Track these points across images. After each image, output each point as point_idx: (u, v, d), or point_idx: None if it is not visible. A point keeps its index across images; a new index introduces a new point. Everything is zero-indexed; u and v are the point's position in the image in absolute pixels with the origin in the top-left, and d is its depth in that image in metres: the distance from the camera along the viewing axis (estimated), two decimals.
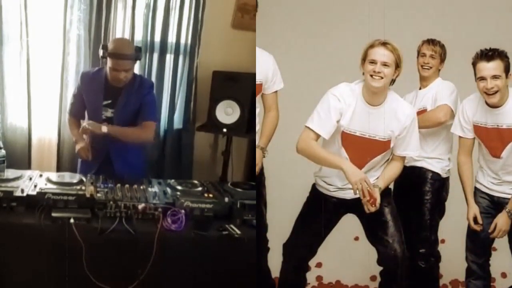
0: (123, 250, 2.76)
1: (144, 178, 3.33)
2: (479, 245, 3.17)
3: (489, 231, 3.08)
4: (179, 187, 3.18)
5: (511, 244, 3.13)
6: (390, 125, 2.90)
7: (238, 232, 2.87)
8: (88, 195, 2.86)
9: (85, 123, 3.42)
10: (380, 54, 2.81)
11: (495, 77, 2.89)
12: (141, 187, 3.11)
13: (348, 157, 2.93)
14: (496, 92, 2.90)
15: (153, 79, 4.46)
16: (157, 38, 4.45)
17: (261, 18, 3.54)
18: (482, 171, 3.16)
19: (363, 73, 2.88)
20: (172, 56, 4.54)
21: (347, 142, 2.93)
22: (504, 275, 3.89)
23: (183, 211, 2.87)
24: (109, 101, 3.50)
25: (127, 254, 2.76)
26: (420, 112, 3.31)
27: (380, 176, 2.99)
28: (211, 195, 3.10)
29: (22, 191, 2.82)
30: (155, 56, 4.48)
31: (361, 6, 4.49)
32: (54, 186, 2.94)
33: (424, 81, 3.44)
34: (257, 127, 3.32)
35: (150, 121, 3.54)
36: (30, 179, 3.04)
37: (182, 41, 4.53)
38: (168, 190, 3.13)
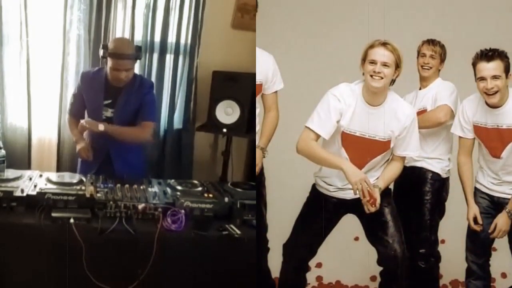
0: (123, 250, 2.76)
1: (144, 178, 3.33)
2: (479, 245, 3.17)
3: (489, 231, 3.07)
4: (179, 187, 3.18)
5: (511, 245, 3.13)
6: (390, 125, 2.90)
7: (238, 232, 2.87)
8: (88, 195, 2.86)
9: (82, 121, 3.42)
10: (380, 54, 2.81)
11: (495, 77, 2.89)
12: (141, 187, 3.11)
13: (348, 157, 2.93)
14: (496, 92, 2.90)
15: (153, 79, 4.46)
16: (157, 38, 4.45)
17: (261, 18, 3.54)
18: (482, 171, 3.16)
19: (363, 73, 2.88)
20: (172, 56, 4.54)
21: (347, 142, 2.93)
22: (504, 275, 3.89)
23: (183, 211, 2.87)
24: (109, 101, 3.50)
25: (127, 254, 2.76)
26: (420, 112, 3.31)
27: (380, 176, 2.99)
28: (211, 195, 3.10)
29: (22, 191, 2.82)
30: (155, 56, 4.49)
31: (361, 6, 4.49)
32: (54, 186, 2.94)
33: (424, 81, 3.44)
34: (257, 127, 3.32)
35: (148, 121, 3.54)
36: (30, 179, 3.04)
37: (182, 41, 4.53)
38: (168, 190, 3.13)
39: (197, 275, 2.85)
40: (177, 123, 4.70)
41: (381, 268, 3.05)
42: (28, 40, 4.17)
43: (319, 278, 3.96)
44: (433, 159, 3.36)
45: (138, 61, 3.61)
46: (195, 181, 3.33)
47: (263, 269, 3.37)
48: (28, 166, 4.30)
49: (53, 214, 2.73)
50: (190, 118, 4.66)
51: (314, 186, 3.15)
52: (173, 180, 3.28)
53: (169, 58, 4.54)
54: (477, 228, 3.12)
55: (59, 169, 4.36)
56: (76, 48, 4.30)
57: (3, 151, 3.14)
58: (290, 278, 3.23)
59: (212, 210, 2.98)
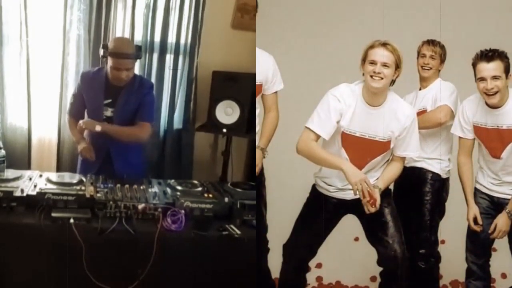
0: (123, 250, 2.76)
1: (144, 178, 3.33)
2: (479, 245, 3.17)
3: (489, 231, 3.07)
4: (179, 187, 3.18)
5: (511, 245, 3.13)
6: (390, 125, 2.90)
7: (238, 232, 2.87)
8: (88, 195, 2.86)
9: (80, 121, 3.43)
10: (380, 54, 2.81)
11: (495, 77, 2.89)
12: (141, 187, 3.11)
13: (348, 157, 2.93)
14: (496, 92, 2.90)
15: (153, 79, 4.46)
16: (157, 38, 4.45)
17: (261, 18, 3.54)
18: (482, 171, 3.16)
19: (363, 74, 2.88)
20: (172, 56, 4.54)
21: (347, 142, 2.93)
22: (504, 275, 3.89)
23: (183, 211, 2.87)
24: (109, 100, 3.51)
25: (127, 254, 2.76)
26: (420, 113, 3.31)
27: (380, 176, 2.99)
28: (211, 195, 3.10)
29: (22, 191, 2.82)
30: (155, 56, 4.49)
31: (361, 6, 4.51)
32: (54, 186, 2.94)
33: (424, 81, 3.44)
34: (257, 128, 3.32)
35: (146, 121, 3.55)
36: (30, 179, 3.04)
37: (182, 41, 4.53)
38: (168, 190, 3.13)
39: (197, 275, 2.85)
40: (177, 123, 4.70)
41: (381, 269, 3.05)
42: (28, 40, 4.17)
43: (319, 279, 3.96)
44: (433, 159, 3.36)
45: (138, 61, 3.61)
46: (195, 181, 3.33)
47: (263, 270, 3.37)
48: (28, 166, 4.30)
49: (53, 214, 2.73)
50: (190, 118, 4.67)
51: (314, 187, 3.15)
52: (173, 180, 3.28)
53: (169, 58, 4.54)
54: (477, 228, 3.12)
55: (59, 169, 4.37)
56: (76, 48, 4.31)
57: (3, 151, 3.14)
58: (290, 279, 3.23)
59: (212, 210, 2.98)
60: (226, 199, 3.03)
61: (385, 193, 2.97)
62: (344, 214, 3.12)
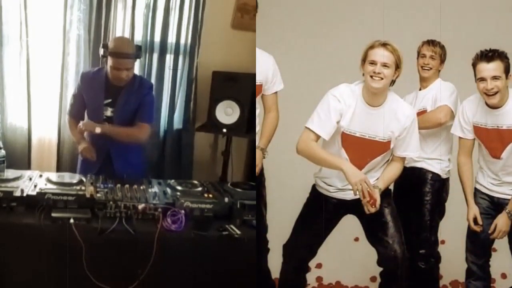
0: (123, 250, 2.76)
1: (144, 178, 3.33)
2: (479, 246, 3.17)
3: (489, 232, 3.08)
4: (179, 187, 3.18)
5: (511, 245, 3.13)
6: (390, 126, 2.90)
7: (238, 232, 2.87)
8: (88, 195, 2.86)
9: (80, 123, 3.43)
10: (380, 55, 2.81)
11: (495, 78, 2.89)
12: (141, 187, 3.11)
13: (348, 158, 2.93)
14: (496, 93, 2.90)
15: (153, 79, 4.46)
16: (157, 38, 4.46)
17: (261, 18, 3.54)
18: (482, 172, 3.17)
19: (363, 74, 2.88)
20: (172, 56, 4.54)
21: (347, 143, 2.93)
22: (504, 276, 3.89)
23: (183, 211, 2.87)
24: (109, 100, 3.51)
25: (127, 254, 2.76)
26: (420, 113, 3.31)
27: (380, 177, 2.99)
28: (211, 195, 3.10)
29: (22, 191, 2.82)
30: (155, 56, 4.49)
31: (361, 6, 4.51)
32: (54, 186, 2.94)
33: (424, 82, 3.44)
34: (257, 128, 3.32)
35: (145, 122, 3.56)
36: (30, 179, 3.04)
37: (182, 41, 4.53)
38: (168, 190, 3.13)
39: (197, 275, 2.85)
40: (177, 123, 4.70)
41: (381, 269, 3.05)
42: (28, 40, 4.17)
43: (319, 279, 3.96)
44: (433, 159, 3.36)
45: (138, 61, 3.61)
46: (195, 181, 3.33)
47: (263, 270, 3.37)
48: (28, 166, 4.30)
49: (53, 214, 2.73)
50: (190, 118, 4.67)
51: (314, 187, 3.15)
52: (173, 180, 3.28)
53: (169, 58, 4.54)
54: (477, 228, 3.12)
55: (59, 169, 4.37)
56: (76, 48, 4.31)
57: (3, 151, 3.14)
58: (290, 279, 3.23)
59: (212, 210, 2.98)
60: (226, 199, 3.03)
61: (385, 193, 2.97)
62: (344, 214, 3.12)
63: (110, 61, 3.41)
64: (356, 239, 3.86)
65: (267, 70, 3.23)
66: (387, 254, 2.96)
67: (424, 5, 4.48)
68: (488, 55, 2.90)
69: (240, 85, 4.31)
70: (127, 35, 4.34)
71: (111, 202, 2.84)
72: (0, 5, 4.09)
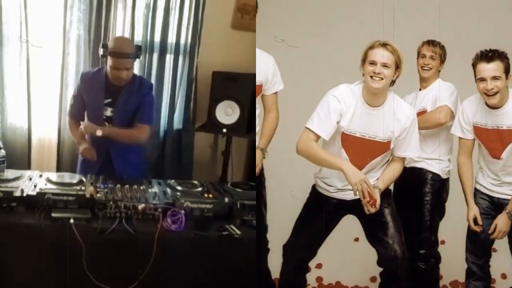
0: (123, 250, 2.76)
1: (144, 178, 3.33)
2: (479, 246, 3.17)
3: (489, 232, 3.08)
4: (179, 188, 3.18)
5: (511, 245, 3.13)
6: (390, 126, 2.90)
7: (238, 232, 2.87)
8: (88, 196, 2.86)
9: (81, 125, 3.43)
10: (380, 55, 2.82)
11: (495, 78, 2.89)
12: (141, 188, 3.11)
13: (348, 158, 2.93)
14: (496, 93, 2.91)
15: (153, 79, 4.46)
16: (157, 38, 4.45)
17: (261, 18, 3.54)
18: (482, 172, 3.17)
19: (363, 74, 2.88)
20: (172, 56, 4.54)
21: (347, 143, 2.93)
22: (504, 276, 3.88)
23: (183, 211, 2.87)
24: (109, 100, 3.51)
25: (127, 254, 2.76)
26: (420, 113, 3.31)
27: (380, 177, 2.99)
28: (211, 196, 3.10)
29: (22, 191, 2.82)
30: (155, 56, 4.49)
31: (361, 6, 4.50)
32: (54, 186, 2.94)
33: (424, 82, 3.44)
34: (257, 128, 3.32)
35: (145, 123, 3.56)
36: (30, 179, 3.04)
37: (182, 41, 4.53)
38: (168, 190, 3.13)
39: (197, 275, 2.85)
40: (177, 123, 4.70)
41: (381, 269, 3.06)
42: (28, 40, 4.17)
43: (319, 279, 3.96)
44: (433, 160, 3.36)
45: (138, 61, 3.61)
46: (195, 182, 3.33)
47: (263, 270, 3.37)
48: (28, 166, 4.30)
49: (53, 214, 2.73)
50: (190, 118, 4.66)
51: (314, 187, 3.15)
52: (173, 181, 3.28)
53: (169, 58, 4.54)
54: (477, 229, 3.12)
55: (59, 169, 4.36)
56: (76, 48, 4.30)
57: (3, 151, 3.14)
58: (290, 279, 3.23)
59: (212, 210, 2.98)
60: (226, 199, 3.03)
61: (385, 193, 2.97)
62: (344, 215, 3.12)
63: (110, 61, 3.41)
64: (356, 239, 3.86)
65: (267, 70, 3.24)
66: (387, 254, 2.96)
67: (424, 5, 4.47)
68: (488, 55, 2.90)
69: (240, 85, 4.31)
70: (127, 35, 4.34)
71: (111, 202, 2.84)
72: (0, 5, 4.09)
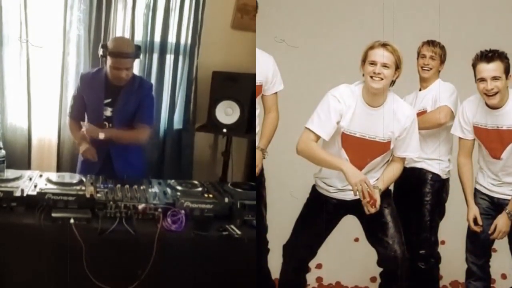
0: (123, 250, 2.76)
1: (144, 178, 3.33)
2: (479, 246, 3.17)
3: (489, 232, 3.08)
4: (179, 188, 3.18)
5: (511, 246, 3.13)
6: (390, 126, 2.90)
7: (238, 232, 2.87)
8: (88, 196, 2.86)
9: (83, 128, 3.43)
10: (380, 55, 2.82)
11: (495, 78, 2.89)
12: (141, 188, 3.11)
13: (348, 158, 2.93)
14: (496, 93, 2.91)
15: (153, 79, 4.46)
16: (157, 38, 4.45)
17: (261, 18, 3.54)
18: (482, 172, 3.17)
19: (363, 75, 2.88)
20: (172, 56, 4.54)
21: (347, 143, 2.94)
22: (504, 276, 3.88)
23: (183, 211, 2.87)
24: (109, 100, 3.52)
25: (127, 254, 2.76)
26: (420, 113, 3.31)
27: (380, 177, 2.99)
28: (211, 196, 3.10)
29: (22, 191, 2.82)
30: (155, 56, 4.49)
31: (361, 6, 4.50)
32: (54, 186, 2.94)
33: (424, 82, 3.44)
34: (257, 129, 3.32)
35: (145, 124, 3.57)
36: (30, 179, 3.04)
37: (182, 41, 4.53)
38: (168, 190, 3.13)
39: (197, 275, 2.85)
40: (177, 123, 4.70)
41: (381, 269, 3.06)
42: (28, 40, 4.17)
43: (319, 279, 3.96)
44: (433, 160, 3.36)
45: (138, 61, 3.61)
46: (195, 182, 3.34)
47: (263, 270, 3.37)
48: (28, 166, 4.29)
49: (53, 214, 2.73)
50: (190, 119, 4.66)
51: (314, 187, 3.15)
52: (173, 181, 3.29)
53: (169, 59, 4.54)
54: (477, 229, 3.12)
55: (59, 169, 4.36)
56: (76, 49, 4.30)
57: (3, 151, 3.14)
58: (290, 279, 3.23)
59: (212, 210, 2.98)
60: (226, 199, 3.03)
61: (385, 193, 2.97)
62: (344, 215, 3.12)
63: (109, 61, 3.41)
64: (356, 240, 3.86)
65: (267, 71, 3.24)
66: (387, 255, 2.96)
67: (424, 5, 4.47)
68: (488, 56, 2.90)
69: (240, 85, 4.31)
70: (127, 35, 4.34)
71: (111, 202, 2.84)
72: (0, 5, 4.09)
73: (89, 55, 4.29)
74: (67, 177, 3.15)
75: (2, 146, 3.21)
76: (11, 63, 4.21)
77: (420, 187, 3.36)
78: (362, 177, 2.82)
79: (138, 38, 4.39)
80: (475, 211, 3.12)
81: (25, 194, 2.81)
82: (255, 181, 3.26)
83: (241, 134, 4.44)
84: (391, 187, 3.13)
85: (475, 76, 2.95)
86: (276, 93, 3.30)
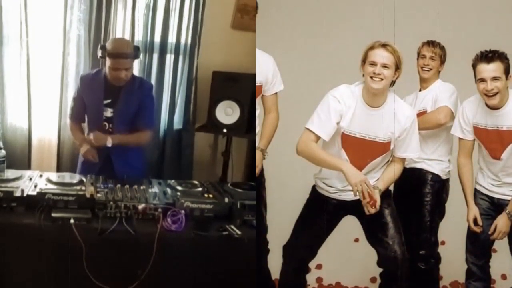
0: (123, 250, 2.76)
1: (144, 178, 3.33)
2: (479, 246, 3.17)
3: (489, 232, 3.08)
4: (179, 188, 3.18)
5: (511, 246, 3.13)
6: (390, 126, 2.90)
7: (238, 232, 2.87)
8: (88, 196, 2.86)
9: (91, 136, 3.43)
10: (380, 55, 2.82)
11: (495, 78, 2.89)
12: (141, 188, 3.11)
13: (348, 158, 2.93)
14: (496, 93, 2.91)
15: (153, 79, 4.47)
16: (157, 38, 4.46)
17: (261, 18, 3.54)
18: (482, 172, 3.17)
19: (363, 75, 2.88)
20: (172, 56, 4.55)
21: (347, 143, 2.94)
22: (504, 276, 3.89)
23: (183, 211, 2.87)
24: (109, 100, 3.52)
25: (127, 254, 2.76)
26: (420, 114, 3.31)
27: (380, 177, 2.99)
28: (211, 196, 3.10)
29: (22, 191, 2.82)
30: (155, 57, 4.49)
31: (361, 6, 4.50)
32: (54, 187, 2.94)
33: (424, 82, 3.44)
34: (257, 129, 3.32)
35: (146, 127, 3.60)
36: (30, 179, 3.04)
37: (182, 41, 4.53)
38: (168, 190, 3.13)
39: (197, 275, 2.85)
40: (177, 123, 4.70)
41: (381, 270, 3.05)
42: (28, 40, 4.17)
43: (319, 280, 3.96)
44: (433, 160, 3.36)
45: (138, 61, 3.62)
46: (195, 182, 3.34)
47: (263, 271, 3.37)
48: (28, 166, 4.30)
49: (53, 215, 2.73)
50: (190, 119, 4.67)
51: (314, 188, 3.15)
52: (173, 181, 3.29)
53: (169, 59, 4.54)
54: (477, 229, 3.12)
55: (59, 169, 4.37)
56: (76, 49, 4.31)
57: (3, 151, 3.15)
58: (290, 279, 3.23)
59: (212, 210, 2.98)
60: (226, 200, 3.03)
61: (385, 194, 2.97)
62: (344, 215, 3.12)
63: (108, 62, 3.42)
64: (356, 240, 3.86)
65: (267, 71, 3.24)
66: (387, 255, 2.96)
67: (424, 5, 4.48)
68: (488, 56, 2.90)
69: (240, 85, 4.31)
70: (127, 35, 4.35)
71: (111, 202, 2.84)
72: (0, 5, 4.09)
73: (89, 55, 4.29)
74: (67, 177, 3.15)
75: (2, 146, 3.21)
76: (11, 63, 4.21)
77: (420, 188, 3.36)
78: (362, 177, 2.82)
79: (138, 38, 4.40)
80: (475, 211, 3.12)
81: (25, 194, 2.81)
82: (255, 181, 3.26)
83: (241, 134, 4.45)
84: (391, 188, 3.13)
85: (475, 76, 2.95)
86: (276, 93, 3.31)
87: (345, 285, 3.96)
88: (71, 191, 2.87)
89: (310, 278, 3.59)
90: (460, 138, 3.17)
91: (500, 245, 3.18)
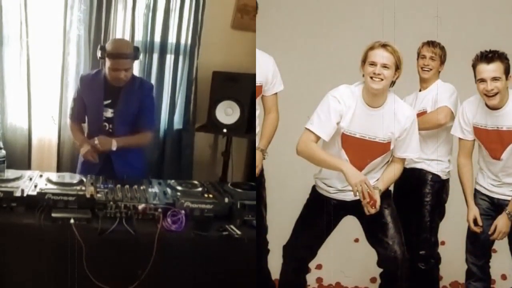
0: (123, 250, 2.76)
1: (144, 178, 3.33)
2: (479, 247, 3.17)
3: (489, 233, 3.08)
4: (179, 188, 3.18)
5: (511, 246, 3.13)
6: (390, 127, 2.90)
7: (238, 232, 2.87)
8: (88, 196, 2.86)
9: (95, 140, 3.43)
10: (380, 56, 2.82)
11: (495, 79, 2.89)
12: (141, 188, 3.11)
13: (348, 159, 2.93)
14: (496, 94, 2.91)
15: (153, 79, 4.46)
16: (157, 38, 4.45)
17: (261, 18, 3.54)
18: (482, 173, 3.17)
19: (363, 75, 2.88)
20: (172, 56, 4.54)
21: (347, 144, 2.94)
22: (504, 277, 3.88)
23: (183, 211, 2.87)
24: (109, 101, 3.52)
25: (127, 254, 2.76)
26: (420, 114, 3.31)
27: (380, 178, 2.99)
28: (211, 196, 3.10)
29: (22, 191, 2.82)
30: (155, 57, 4.48)
31: (361, 6, 4.50)
32: (54, 187, 2.94)
33: (424, 83, 3.44)
34: (257, 129, 3.32)
35: (147, 128, 3.61)
36: (30, 179, 3.04)
37: (182, 41, 4.53)
38: (168, 190, 3.13)
39: (197, 275, 2.85)
40: (177, 123, 4.69)
41: (381, 270, 3.06)
42: (28, 40, 4.16)
43: (319, 280, 3.96)
44: (433, 160, 3.36)
45: (138, 62, 3.61)
46: (195, 182, 3.34)
47: (263, 271, 3.37)
48: (28, 167, 4.29)
49: (53, 215, 2.73)
50: (190, 119, 4.66)
51: (314, 188, 3.15)
52: (173, 181, 3.29)
53: (169, 59, 4.54)
54: (477, 229, 3.12)
55: (59, 169, 4.36)
56: (76, 49, 4.30)
57: (3, 151, 3.15)
58: (290, 280, 3.24)
59: (212, 210, 2.98)
60: (226, 200, 3.03)
61: (385, 194, 2.98)
62: (344, 215, 3.12)
63: (108, 63, 3.42)
64: (356, 240, 3.85)
65: (267, 72, 3.24)
66: (387, 255, 2.96)
67: (424, 5, 4.47)
68: (488, 56, 2.90)
69: (240, 85, 4.31)
70: (127, 35, 4.34)
71: (111, 202, 2.84)
72: (0, 5, 4.08)
73: (89, 55, 4.28)
74: (67, 177, 3.15)
75: (2, 146, 3.21)
76: (11, 63, 4.21)
77: (420, 188, 3.36)
78: (362, 177, 2.82)
79: (138, 38, 4.39)
80: (475, 211, 3.12)
81: (25, 194, 2.81)
82: (255, 182, 3.26)
83: (241, 134, 4.44)
84: (391, 188, 3.13)
85: (475, 76, 2.96)
86: (276, 93, 3.31)
87: (345, 285, 3.96)
88: (71, 191, 2.87)
89: (310, 278, 3.59)
90: (460, 138, 3.17)
91: (500, 245, 3.18)
